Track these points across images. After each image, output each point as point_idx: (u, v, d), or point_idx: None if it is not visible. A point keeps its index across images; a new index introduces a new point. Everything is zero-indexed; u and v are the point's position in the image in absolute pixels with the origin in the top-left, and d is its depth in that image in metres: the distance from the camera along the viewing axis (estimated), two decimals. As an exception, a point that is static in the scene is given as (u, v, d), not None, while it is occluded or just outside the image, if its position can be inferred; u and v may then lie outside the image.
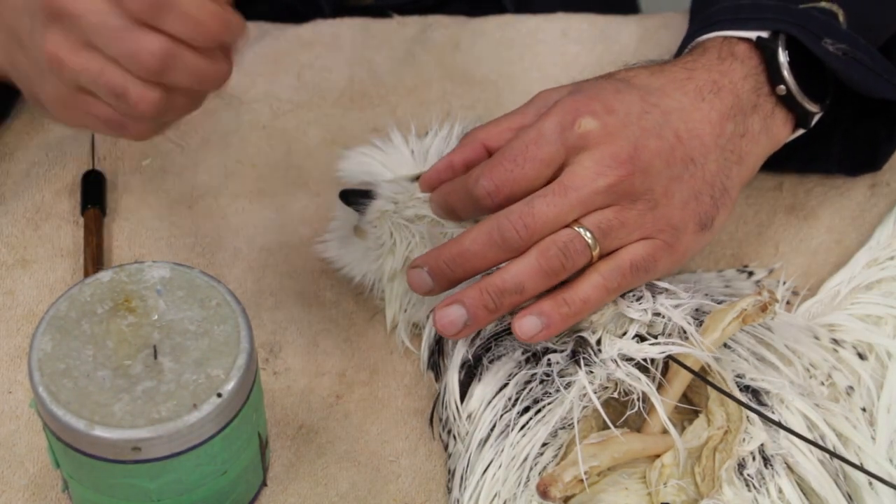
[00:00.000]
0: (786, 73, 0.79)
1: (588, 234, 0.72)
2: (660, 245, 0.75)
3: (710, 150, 0.76)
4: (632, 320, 0.73)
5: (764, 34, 0.80)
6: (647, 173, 0.74)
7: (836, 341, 0.78)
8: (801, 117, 0.81)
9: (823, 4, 0.83)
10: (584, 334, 0.73)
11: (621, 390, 0.72)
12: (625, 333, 0.73)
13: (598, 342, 0.73)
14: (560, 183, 0.73)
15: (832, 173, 0.91)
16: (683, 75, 0.78)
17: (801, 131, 0.82)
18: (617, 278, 0.73)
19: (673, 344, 0.72)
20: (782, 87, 0.79)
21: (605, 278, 0.73)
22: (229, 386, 0.67)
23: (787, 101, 0.80)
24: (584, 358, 0.72)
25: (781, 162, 0.85)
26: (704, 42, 0.81)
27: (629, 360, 0.72)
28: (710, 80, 0.78)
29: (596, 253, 0.73)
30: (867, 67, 0.81)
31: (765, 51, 0.80)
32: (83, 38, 0.70)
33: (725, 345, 0.74)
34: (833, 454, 0.72)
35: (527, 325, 0.73)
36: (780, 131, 0.81)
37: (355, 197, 0.81)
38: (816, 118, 0.82)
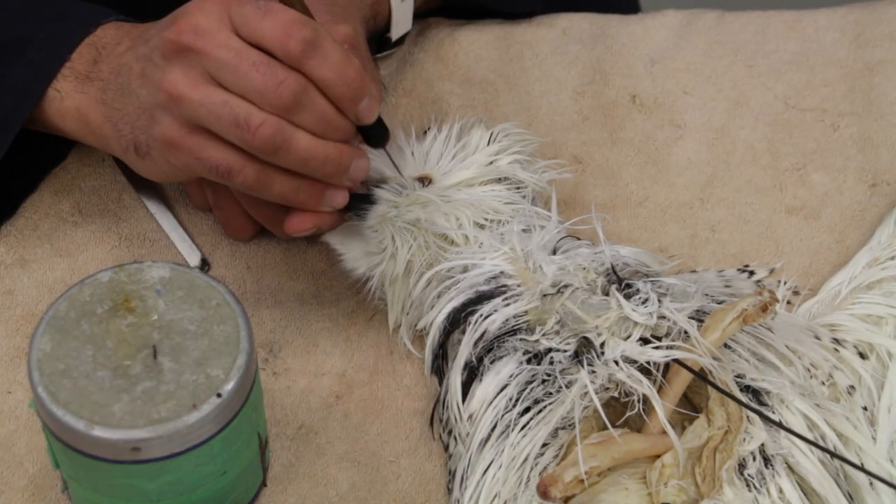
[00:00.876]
0: None
1: None
2: None
3: None
4: (636, 324, 0.73)
5: None
6: None
7: (836, 341, 0.78)
8: None
9: None
10: (588, 336, 0.73)
11: (622, 390, 0.72)
12: (629, 336, 0.73)
13: (602, 345, 0.73)
14: None
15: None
16: None
17: None
18: None
19: (676, 348, 0.72)
20: None
21: None
22: (229, 386, 0.67)
23: None
24: (586, 358, 0.72)
25: None
26: None
27: (632, 362, 0.72)
28: None
29: None
30: None
31: None
32: (205, 75, 0.71)
33: (726, 345, 0.74)
34: (833, 454, 0.72)
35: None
36: None
37: (356, 202, 0.81)
38: None
